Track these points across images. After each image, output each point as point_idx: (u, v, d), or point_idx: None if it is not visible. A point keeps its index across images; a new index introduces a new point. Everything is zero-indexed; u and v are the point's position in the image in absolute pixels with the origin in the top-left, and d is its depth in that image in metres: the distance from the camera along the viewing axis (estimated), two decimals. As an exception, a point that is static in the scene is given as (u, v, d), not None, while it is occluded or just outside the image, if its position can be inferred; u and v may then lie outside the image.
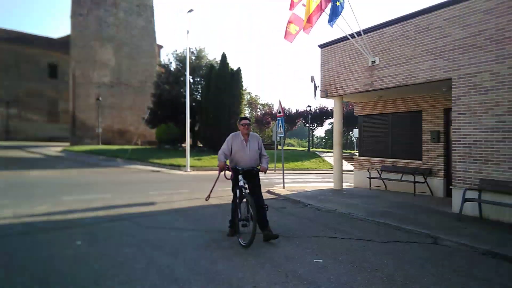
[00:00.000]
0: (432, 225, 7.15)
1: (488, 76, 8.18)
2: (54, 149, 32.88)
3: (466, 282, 4.37)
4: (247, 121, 6.05)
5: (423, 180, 11.55)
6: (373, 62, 11.07)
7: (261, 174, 6.06)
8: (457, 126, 8.83)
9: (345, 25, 18.70)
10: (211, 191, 6.13)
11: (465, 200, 7.89)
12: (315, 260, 4.98)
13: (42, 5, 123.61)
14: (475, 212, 8.28)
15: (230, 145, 5.96)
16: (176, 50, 34.96)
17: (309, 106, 40.15)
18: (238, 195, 5.76)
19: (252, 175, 5.91)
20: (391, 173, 12.59)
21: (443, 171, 11.38)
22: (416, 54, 9.84)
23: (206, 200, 6.08)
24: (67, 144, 39.86)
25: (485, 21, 8.28)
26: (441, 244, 6.11)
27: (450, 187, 9.05)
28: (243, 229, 5.59)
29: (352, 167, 19.41)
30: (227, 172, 5.83)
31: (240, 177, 5.76)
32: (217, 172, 5.88)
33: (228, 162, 6.04)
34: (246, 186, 5.73)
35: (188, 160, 19.99)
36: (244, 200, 5.65)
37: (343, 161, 19.68)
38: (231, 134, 6.10)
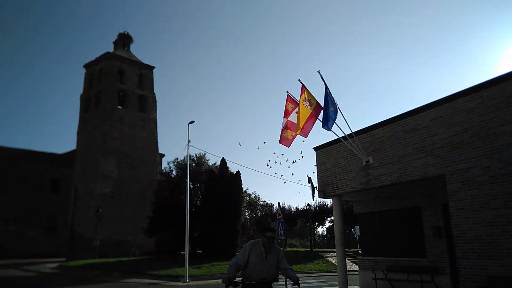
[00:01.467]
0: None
1: (480, 171, 8.36)
2: (49, 265, 31.77)
3: None
4: (273, 234, 5.31)
5: (430, 279, 11.16)
6: (367, 161, 11.34)
7: None
8: (456, 222, 8.81)
9: (337, 129, 19.64)
10: None
11: (475, 301, 7.60)
12: None
13: (50, 124, 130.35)
14: (488, 314, 7.90)
15: (247, 255, 5.16)
16: (177, 158, 35.95)
17: (308, 205, 40.06)
18: None
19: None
20: (397, 273, 12.17)
21: (449, 268, 11.07)
22: (407, 153, 10.08)
23: None
24: (63, 259, 38.59)
25: (469, 119, 8.69)
26: None
27: (458, 286, 8.75)
28: None
29: (357, 267, 18.74)
30: None
31: None
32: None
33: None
34: None
35: (187, 269, 19.30)
36: None
37: (347, 260, 19.08)
38: (250, 242, 5.37)
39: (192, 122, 21.52)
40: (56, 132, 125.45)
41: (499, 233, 7.97)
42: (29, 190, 46.65)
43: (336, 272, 13.31)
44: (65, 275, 23.98)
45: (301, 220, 48.85)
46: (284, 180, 52.09)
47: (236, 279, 5.13)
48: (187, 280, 18.93)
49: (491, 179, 8.19)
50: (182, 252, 29.23)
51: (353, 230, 45.17)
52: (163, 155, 52.69)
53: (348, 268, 15.42)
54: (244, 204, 32.50)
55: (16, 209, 45.50)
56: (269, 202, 55.40)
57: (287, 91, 11.51)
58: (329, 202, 45.10)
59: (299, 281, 5.25)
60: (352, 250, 39.12)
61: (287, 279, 5.56)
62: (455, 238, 8.90)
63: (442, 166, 9.19)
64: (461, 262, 8.64)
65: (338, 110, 10.70)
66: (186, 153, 22.97)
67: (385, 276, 12.34)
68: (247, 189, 36.61)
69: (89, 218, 40.27)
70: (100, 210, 38.42)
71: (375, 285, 12.60)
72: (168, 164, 51.10)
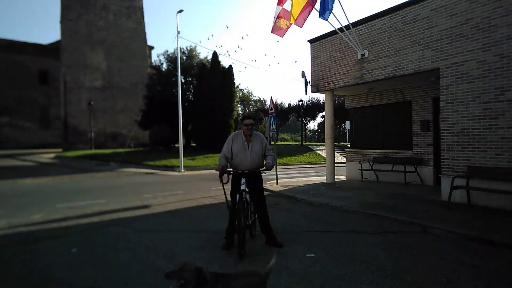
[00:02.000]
0: (421, 214, 7.30)
1: (475, 65, 8.31)
2: (47, 156, 32.75)
3: (455, 268, 4.50)
4: (250, 121, 5.44)
5: (413, 169, 11.71)
6: (363, 55, 11.19)
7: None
8: (445, 115, 8.98)
9: (334, 20, 18.68)
10: (227, 200, 5.40)
11: (453, 187, 8.04)
12: (307, 255, 5.08)
13: (31, 11, 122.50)
14: (463, 199, 8.45)
15: (230, 146, 5.45)
16: (167, 51, 34.85)
17: (301, 100, 40.28)
18: (238, 201, 5.15)
19: (253, 178, 5.43)
20: (382, 164, 12.76)
21: (432, 160, 11.56)
22: (404, 45, 9.97)
23: (228, 209, 5.40)
24: (60, 150, 39.68)
25: (471, 10, 8.39)
26: (431, 232, 6.26)
27: (439, 175, 9.21)
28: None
29: (344, 159, 19.58)
30: (225, 176, 5.30)
31: (242, 180, 5.26)
32: (218, 175, 5.34)
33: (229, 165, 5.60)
34: (247, 190, 5.29)
35: (182, 160, 20.03)
36: (245, 206, 5.24)
37: (336, 153, 19.83)
38: (232, 134, 5.61)
39: (181, 11, 20.26)
40: (36, 20, 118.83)
41: (486, 126, 8.14)
42: (17, 81, 45.93)
43: (325, 164, 13.86)
44: (64, 164, 24.84)
45: (293, 115, 49.66)
46: (276, 73, 51.32)
47: (229, 168, 5.48)
48: (182, 170, 19.76)
49: (485, 72, 8.15)
50: (176, 145, 30.06)
51: (343, 125, 46.25)
52: (152, 48, 51.05)
53: (336, 160, 16.08)
54: (237, 99, 32.52)
55: (7, 101, 45.25)
56: (261, 98, 55.58)
57: (282, -25, 10.61)
58: (321, 98, 45.35)
59: (272, 167, 5.42)
60: (341, 144, 40.56)
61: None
62: (442, 131, 9.12)
63: (438, 60, 9.08)
64: (445, 153, 8.98)
65: (337, -3, 10.04)
66: (176, 45, 22.07)
67: (370, 166, 12.93)
68: (239, 84, 36.24)
69: (82, 110, 40.40)
70: (92, 103, 38.36)
71: (360, 175, 13.26)
72: (158, 57, 49.59)
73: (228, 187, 5.40)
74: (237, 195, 5.21)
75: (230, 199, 5.44)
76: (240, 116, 34.89)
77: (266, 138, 16.55)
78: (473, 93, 8.39)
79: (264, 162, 5.56)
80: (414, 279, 4.17)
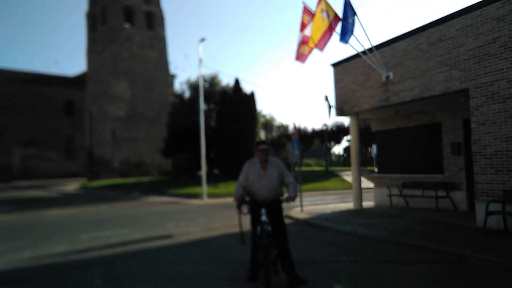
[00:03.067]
0: (455, 242, 6.91)
1: (506, 84, 8.01)
2: (72, 186, 33.40)
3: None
4: (265, 146, 5.10)
5: (445, 194, 11.21)
6: (387, 77, 11.00)
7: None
8: (477, 137, 8.64)
9: (356, 42, 18.62)
10: (241, 234, 4.98)
11: (488, 213, 7.60)
12: (335, 287, 4.81)
13: (57, 43, 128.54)
14: (500, 225, 7.96)
15: (247, 175, 5.10)
16: (190, 79, 35.61)
17: (325, 125, 40.02)
18: (260, 233, 4.77)
19: (273, 209, 4.96)
20: (412, 189, 12.28)
21: (465, 184, 11.06)
22: (430, 66, 9.73)
23: (243, 244, 5.00)
24: (85, 179, 40.46)
25: (498, 28, 8.15)
26: (466, 261, 5.86)
27: (473, 200, 8.76)
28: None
29: (371, 185, 19.06)
30: (244, 206, 4.99)
31: (262, 210, 4.84)
32: (236, 208, 4.98)
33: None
34: (267, 221, 4.83)
35: (205, 188, 19.98)
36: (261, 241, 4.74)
37: (363, 178, 19.36)
38: (247, 162, 5.22)
39: (203, 39, 20.74)
40: (63, 54, 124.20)
41: (520, 148, 7.73)
42: (45, 113, 47.66)
43: (351, 189, 13.51)
44: (88, 194, 25.21)
45: (317, 140, 49.29)
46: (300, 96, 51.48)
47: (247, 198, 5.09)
48: (205, 198, 19.68)
49: (516, 92, 7.79)
50: (199, 173, 30.16)
51: (370, 149, 45.55)
52: (174, 76, 52.24)
53: (363, 186, 15.66)
54: (259, 125, 32.60)
55: (35, 132, 46.91)
56: (284, 123, 55.67)
57: (302, 2, 10.70)
58: (346, 121, 45.03)
59: (295, 198, 4.99)
60: (368, 168, 39.77)
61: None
62: (474, 154, 8.74)
63: (466, 80, 8.81)
64: (478, 177, 8.56)
65: (358, 21, 10.02)
66: (198, 73, 22.46)
67: (400, 192, 12.48)
68: (261, 110, 36.42)
69: (106, 140, 41.34)
70: (116, 132, 39.21)
71: (389, 202, 12.80)
72: (180, 85, 50.82)
73: (245, 220, 5.01)
74: (258, 227, 4.82)
75: (244, 230, 5.06)
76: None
77: (290, 164, 16.41)
78: (505, 113, 8.03)
79: (285, 192, 5.15)
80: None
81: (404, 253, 6.56)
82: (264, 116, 50.06)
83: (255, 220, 4.96)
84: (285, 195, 5.05)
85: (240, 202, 4.90)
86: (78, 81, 49.20)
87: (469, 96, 8.80)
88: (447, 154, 11.58)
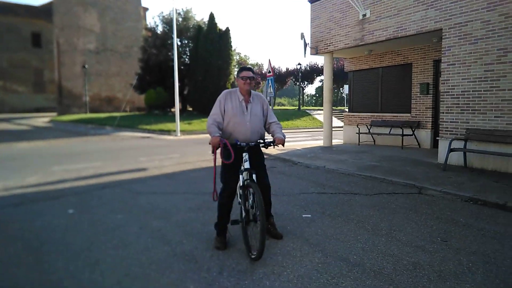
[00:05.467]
0: (417, 176, 7.32)
1: (479, 25, 8.09)
2: (42, 119, 32.54)
3: (447, 228, 4.53)
4: (250, 73, 4.07)
5: (411, 132, 11.67)
6: (364, 15, 10.88)
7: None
8: (446, 77, 8.85)
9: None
10: (214, 189, 4.19)
11: (450, 150, 8.02)
12: (303, 216, 5.10)
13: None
14: (460, 162, 8.46)
15: (223, 108, 4.06)
16: (162, 12, 34.10)
17: (299, 64, 39.67)
18: (241, 184, 3.92)
19: (256, 152, 4.12)
20: (380, 128, 12.70)
21: (431, 123, 11.50)
22: (407, 4, 9.66)
23: (214, 200, 4.17)
24: (54, 114, 39.37)
25: (476, -34, 8.03)
26: (426, 193, 6.28)
27: (437, 138, 9.18)
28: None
29: (342, 124, 19.53)
30: (225, 151, 3.95)
31: (245, 156, 3.89)
32: (211, 150, 3.98)
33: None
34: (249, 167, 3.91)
35: (178, 124, 19.90)
36: (250, 190, 3.83)
37: (333, 118, 19.73)
38: (224, 92, 4.19)
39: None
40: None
41: (487, 88, 8.02)
42: (10, 44, 44.90)
43: (322, 128, 13.79)
44: (59, 128, 24.69)
45: (291, 79, 49.11)
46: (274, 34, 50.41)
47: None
48: (178, 134, 19.68)
49: (488, 33, 7.95)
50: (172, 109, 29.85)
51: (342, 90, 45.87)
52: (146, 9, 49.64)
53: (334, 124, 16.00)
54: (234, 63, 31.97)
55: (1, 64, 44.39)
56: (259, 63, 54.78)
57: None
58: (320, 62, 44.74)
59: (284, 142, 4.03)
60: (339, 108, 40.37)
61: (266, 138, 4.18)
62: (442, 93, 9.00)
63: (441, 20, 8.83)
64: (444, 116, 8.90)
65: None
66: (172, 6, 21.35)
67: (368, 130, 12.87)
68: (236, 48, 35.43)
69: (76, 74, 39.78)
70: (86, 66, 37.71)
71: (357, 139, 13.22)
72: (153, 18, 48.34)
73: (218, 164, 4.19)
74: (242, 176, 3.92)
75: (227, 182, 4.06)
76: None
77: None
78: (476, 54, 8.20)
79: (274, 134, 4.13)
80: (409, 238, 4.19)
81: (369, 186, 6.93)
82: (238, 53, 48.98)
83: (236, 168, 3.98)
84: (269, 138, 4.21)
85: (219, 146, 3.90)
86: (44, 11, 45.93)
87: (442, 36, 8.87)
88: (416, 94, 11.88)
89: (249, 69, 4.14)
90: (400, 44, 11.34)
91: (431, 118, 11.49)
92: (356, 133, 13.22)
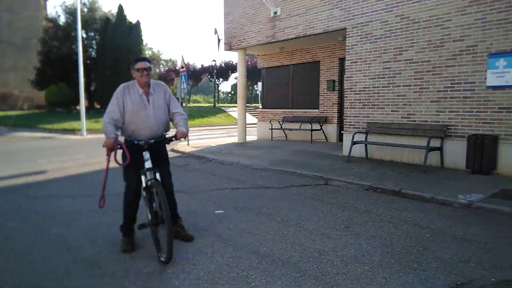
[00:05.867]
0: (324, 168, 7.71)
1: (378, 25, 8.73)
2: None
3: (350, 215, 4.82)
4: (146, 63, 3.70)
5: (319, 127, 12.28)
6: (275, 13, 11.18)
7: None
8: (349, 74, 9.42)
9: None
10: (103, 194, 3.81)
11: (353, 143, 8.58)
12: (216, 212, 5.05)
13: None
14: (362, 154, 9.10)
15: (121, 104, 3.71)
16: (65, 2, 31.48)
17: (214, 60, 39.62)
18: (144, 185, 3.66)
19: (158, 148, 3.81)
20: (291, 123, 13.18)
21: (337, 118, 12.20)
22: (315, 4, 10.09)
23: (100, 207, 3.74)
24: None
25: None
26: (332, 184, 6.64)
27: (342, 132, 9.76)
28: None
29: (256, 120, 19.92)
30: (119, 152, 3.55)
31: (146, 155, 3.61)
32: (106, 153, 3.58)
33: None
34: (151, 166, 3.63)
35: (84, 123, 18.60)
36: (154, 190, 3.57)
37: (248, 114, 20.03)
38: (121, 86, 3.84)
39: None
40: None
41: (384, 85, 8.70)
42: None
43: (237, 125, 13.90)
44: None
45: (206, 76, 48.80)
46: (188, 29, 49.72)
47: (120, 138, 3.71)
48: (85, 134, 18.41)
49: (386, 33, 8.61)
50: (77, 107, 27.86)
51: (256, 87, 46.79)
52: (47, -3, 45.51)
53: (248, 121, 16.25)
54: (145, 58, 30.79)
55: None
56: (173, 59, 53.56)
57: None
58: (234, 59, 45.10)
59: (187, 135, 3.76)
60: (254, 105, 41.13)
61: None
62: (346, 90, 9.59)
63: (345, 19, 9.39)
64: (348, 111, 9.50)
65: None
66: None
67: (280, 126, 13.27)
68: (147, 43, 34.20)
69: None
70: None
71: (270, 134, 13.57)
72: (54, 8, 44.55)
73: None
74: (144, 177, 3.66)
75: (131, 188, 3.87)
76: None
77: (177, 99, 15.91)
78: (375, 53, 8.85)
79: (176, 128, 3.79)
80: (315, 227, 4.36)
81: (281, 179, 7.11)
82: (151, 48, 47.35)
83: (136, 168, 3.70)
84: (170, 132, 3.93)
85: (115, 148, 3.49)
86: None
87: (346, 35, 9.43)
88: (323, 91, 12.51)
89: (144, 59, 3.78)
90: (309, 42, 11.84)
91: (337, 114, 12.20)
92: (269, 129, 13.56)
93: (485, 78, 7.01)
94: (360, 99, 9.25)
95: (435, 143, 7.67)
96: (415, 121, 8.15)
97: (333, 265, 3.37)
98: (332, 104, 12.28)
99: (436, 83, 7.77)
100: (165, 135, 3.87)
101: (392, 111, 8.63)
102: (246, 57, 13.43)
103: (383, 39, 8.68)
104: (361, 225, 4.44)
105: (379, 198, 5.67)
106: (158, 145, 3.78)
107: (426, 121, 7.95)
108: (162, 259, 3.44)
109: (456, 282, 3.03)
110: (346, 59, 9.55)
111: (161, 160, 3.84)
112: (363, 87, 9.16)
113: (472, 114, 7.25)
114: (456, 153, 7.46)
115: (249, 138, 14.16)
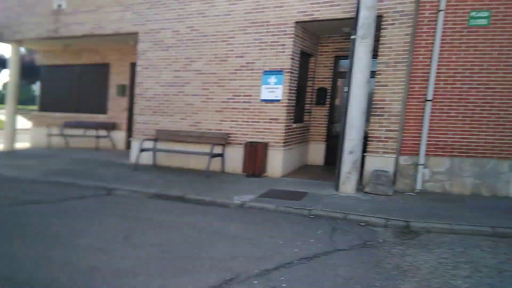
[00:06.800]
0: (108, 178, 7.21)
1: (170, 34, 8.71)
2: None
3: (131, 225, 4.53)
4: None
5: (106, 134, 11.51)
6: (59, 5, 10.13)
7: None
8: (140, 80, 9.16)
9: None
10: None
11: (141, 150, 8.32)
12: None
13: None
14: (150, 161, 8.93)
15: None
16: None
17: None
18: None
19: None
20: (75, 129, 11.95)
21: (126, 124, 11.68)
22: (106, 3, 9.49)
23: None
24: None
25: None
26: (115, 194, 6.20)
27: (130, 139, 9.36)
28: None
29: (30, 125, 17.33)
30: None
31: None
32: None
33: None
34: None
35: None
36: None
37: (22, 118, 17.26)
38: None
39: None
40: None
41: (175, 93, 8.77)
42: None
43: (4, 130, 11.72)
44: None
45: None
46: None
47: None
48: None
49: (178, 42, 8.72)
50: None
51: (34, 87, 41.09)
52: None
53: (22, 127, 14.00)
54: None
55: None
56: None
57: None
58: (6, 53, 38.40)
59: None
60: (31, 108, 35.93)
61: None
62: (136, 96, 9.26)
63: (138, 24, 9.15)
64: (137, 117, 9.19)
65: None
66: None
67: (60, 132, 11.83)
68: None
69: None
70: None
71: (48, 142, 11.95)
72: None
73: None
74: None
75: None
76: None
77: None
78: (167, 60, 8.83)
79: None
80: (90, 242, 3.90)
81: (56, 192, 6.19)
82: None
83: None
84: None
85: None
86: None
87: (138, 40, 9.15)
88: (113, 95, 11.82)
89: None
90: (98, 42, 11.01)
91: (126, 120, 11.66)
92: (47, 135, 11.90)
93: (260, 92, 7.86)
94: (150, 106, 9.07)
95: (218, 150, 8.14)
96: (201, 129, 8.48)
97: (105, 281, 3.02)
98: (122, 109, 11.68)
99: (220, 94, 8.27)
100: None
101: (181, 118, 8.75)
102: (24, 51, 11.52)
103: (175, 48, 8.76)
104: (141, 235, 4.20)
105: (164, 205, 5.58)
106: None
107: (211, 129, 8.37)
108: None
109: (225, 278, 3.13)
110: (137, 64, 9.25)
111: None
112: (154, 94, 9.02)
113: (248, 123, 8.01)
114: (235, 159, 8.09)
115: (20, 145, 12.07)
